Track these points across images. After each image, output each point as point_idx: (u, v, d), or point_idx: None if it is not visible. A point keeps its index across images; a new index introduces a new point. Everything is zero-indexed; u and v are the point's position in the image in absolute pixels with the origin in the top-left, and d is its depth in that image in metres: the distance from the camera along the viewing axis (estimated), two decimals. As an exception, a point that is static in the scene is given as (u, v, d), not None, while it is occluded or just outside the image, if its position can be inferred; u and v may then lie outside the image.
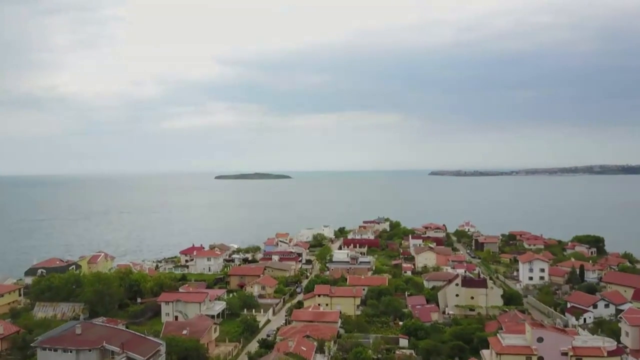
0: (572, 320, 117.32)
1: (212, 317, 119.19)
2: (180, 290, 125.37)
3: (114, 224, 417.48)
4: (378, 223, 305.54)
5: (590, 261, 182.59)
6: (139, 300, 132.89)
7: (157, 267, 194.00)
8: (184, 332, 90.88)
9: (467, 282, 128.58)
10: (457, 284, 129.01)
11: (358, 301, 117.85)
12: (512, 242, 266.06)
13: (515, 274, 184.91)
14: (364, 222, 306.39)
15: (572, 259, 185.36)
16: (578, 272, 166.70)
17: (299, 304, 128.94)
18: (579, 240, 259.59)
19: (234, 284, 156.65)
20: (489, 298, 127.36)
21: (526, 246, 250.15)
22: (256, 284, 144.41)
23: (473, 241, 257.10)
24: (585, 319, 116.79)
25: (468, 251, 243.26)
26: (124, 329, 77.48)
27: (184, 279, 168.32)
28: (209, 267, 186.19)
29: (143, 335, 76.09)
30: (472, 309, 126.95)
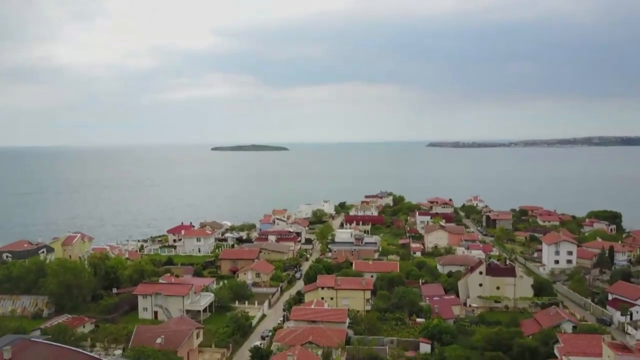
0: (617, 315, 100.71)
1: (198, 312, 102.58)
2: (161, 280, 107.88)
3: (103, 199, 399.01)
4: (381, 197, 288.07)
5: (620, 242, 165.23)
6: (114, 290, 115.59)
7: (142, 248, 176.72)
8: (158, 340, 73.65)
9: (492, 270, 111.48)
10: (480, 272, 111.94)
11: (368, 294, 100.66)
12: (524, 218, 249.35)
13: (535, 255, 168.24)
14: (366, 196, 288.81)
15: (599, 239, 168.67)
16: (607, 254, 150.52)
17: (299, 296, 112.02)
18: (596, 215, 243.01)
19: (225, 269, 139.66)
20: (517, 288, 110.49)
21: (540, 222, 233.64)
22: (250, 270, 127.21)
23: (484, 217, 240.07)
24: (631, 315, 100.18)
25: (479, 228, 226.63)
26: (74, 349, 59.67)
27: (169, 262, 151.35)
28: (199, 248, 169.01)
29: (98, 358, 58.46)
30: (497, 301, 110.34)
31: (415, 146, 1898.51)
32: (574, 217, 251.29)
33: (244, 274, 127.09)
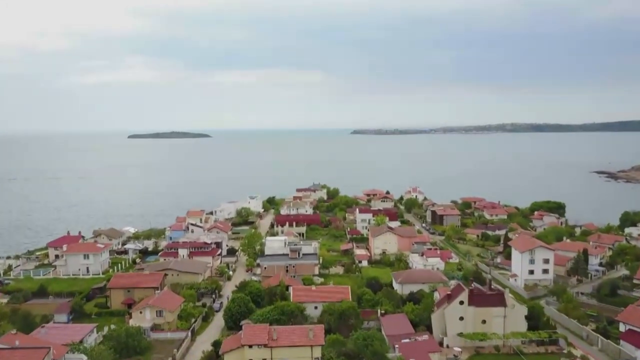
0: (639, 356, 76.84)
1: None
2: (-1, 344, 70.30)
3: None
4: (314, 191, 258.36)
5: (591, 242, 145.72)
6: None
7: (9, 269, 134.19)
8: None
9: (476, 299, 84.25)
10: (461, 302, 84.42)
11: (318, 351, 69.56)
12: (468, 212, 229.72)
13: (498, 259, 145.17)
14: (298, 190, 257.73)
15: (566, 239, 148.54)
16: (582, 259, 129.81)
17: (216, 348, 78.81)
18: (540, 206, 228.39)
19: (117, 302, 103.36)
20: (508, 321, 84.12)
21: (487, 216, 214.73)
22: (148, 308, 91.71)
23: (428, 212, 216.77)
24: (658, 354, 76.63)
25: (424, 225, 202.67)
26: None
27: (41, 292, 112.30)
28: (87, 268, 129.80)
29: None
30: (482, 339, 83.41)
31: (340, 133, 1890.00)
32: (517, 208, 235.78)
33: (140, 313, 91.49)
